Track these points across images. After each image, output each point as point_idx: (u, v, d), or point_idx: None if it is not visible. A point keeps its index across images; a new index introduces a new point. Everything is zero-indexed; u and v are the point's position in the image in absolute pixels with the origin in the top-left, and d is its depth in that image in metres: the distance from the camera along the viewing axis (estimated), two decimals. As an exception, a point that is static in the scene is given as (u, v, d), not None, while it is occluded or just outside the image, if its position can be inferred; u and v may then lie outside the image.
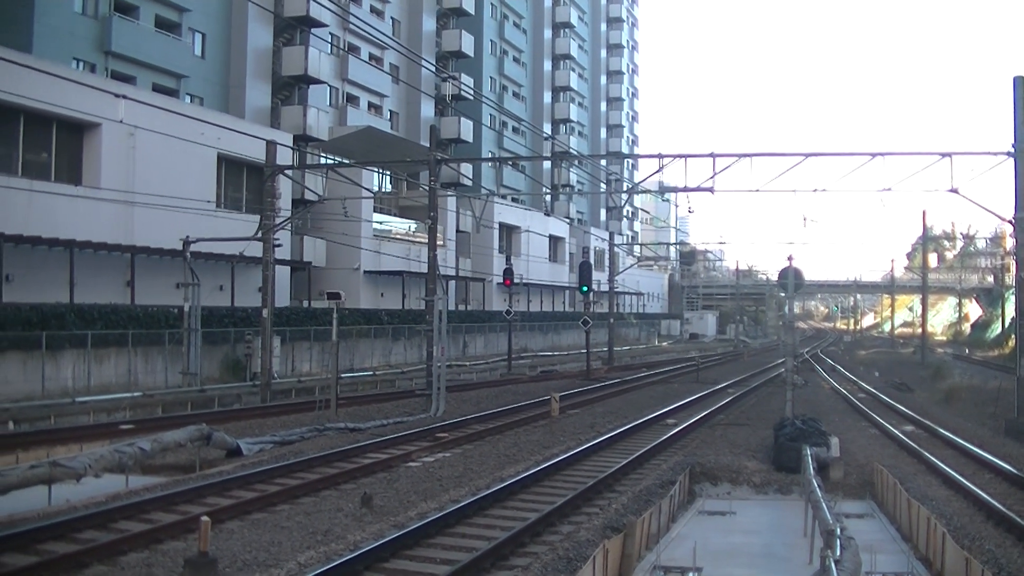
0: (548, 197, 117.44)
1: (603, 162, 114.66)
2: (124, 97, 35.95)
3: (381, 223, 76.72)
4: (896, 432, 37.01)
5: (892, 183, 45.67)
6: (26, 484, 20.36)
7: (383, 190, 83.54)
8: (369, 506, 21.89)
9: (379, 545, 18.12)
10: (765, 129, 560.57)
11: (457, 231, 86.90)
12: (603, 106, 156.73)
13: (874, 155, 39.60)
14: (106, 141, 49.44)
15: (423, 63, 78.26)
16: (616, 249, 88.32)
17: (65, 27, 55.03)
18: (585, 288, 67.76)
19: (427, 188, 47.59)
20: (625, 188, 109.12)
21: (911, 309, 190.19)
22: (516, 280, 74.96)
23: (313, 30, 73.26)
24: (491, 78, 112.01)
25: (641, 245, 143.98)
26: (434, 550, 18.83)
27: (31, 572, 15.50)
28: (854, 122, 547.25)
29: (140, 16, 61.12)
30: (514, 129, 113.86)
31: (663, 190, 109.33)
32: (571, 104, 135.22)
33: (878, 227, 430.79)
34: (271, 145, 44.13)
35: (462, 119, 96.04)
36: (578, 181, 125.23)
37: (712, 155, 40.99)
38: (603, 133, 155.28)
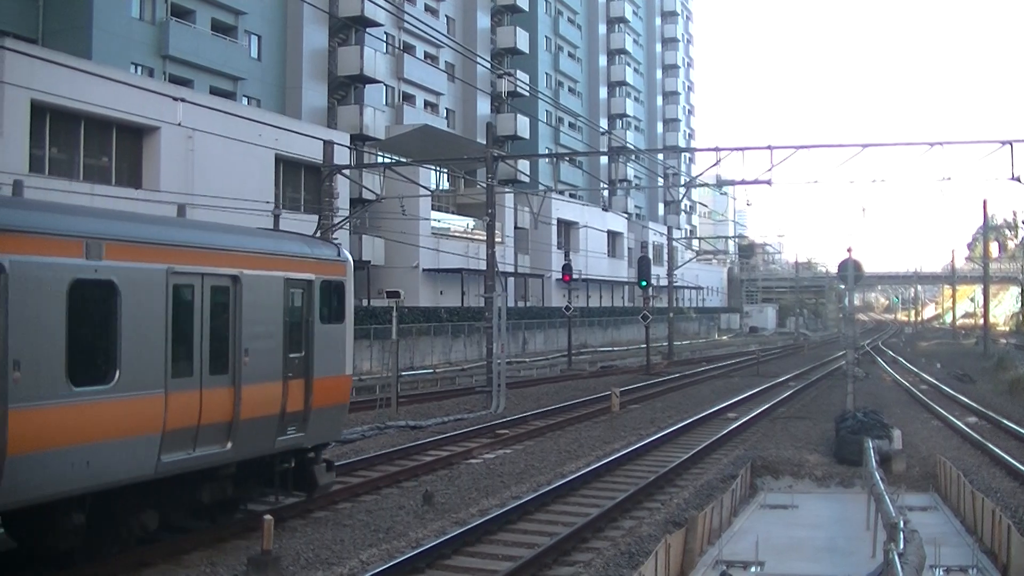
0: (606, 192, 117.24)
1: (660, 156, 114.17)
2: (182, 100, 36.21)
3: (439, 221, 76.89)
4: (959, 424, 36.71)
5: (951, 172, 45.54)
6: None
7: (440, 188, 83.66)
8: (431, 503, 21.96)
9: (441, 542, 18.19)
10: (822, 120, 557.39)
11: (515, 227, 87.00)
12: (659, 100, 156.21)
13: (932, 144, 39.25)
14: (165, 144, 49.84)
15: (478, 60, 78.35)
16: (674, 243, 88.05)
17: (123, 32, 55.50)
18: (644, 283, 67.61)
19: (484, 185, 47.68)
20: (683, 182, 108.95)
21: (972, 300, 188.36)
22: (575, 276, 74.84)
23: (368, 30, 73.44)
24: (546, 74, 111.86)
25: (700, 239, 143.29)
26: (496, 546, 18.87)
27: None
28: (912, 111, 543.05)
29: (197, 20, 61.56)
30: (570, 125, 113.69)
31: (721, 183, 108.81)
32: (627, 99, 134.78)
33: (938, 217, 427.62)
34: (328, 145, 44.29)
35: (518, 116, 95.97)
36: (635, 176, 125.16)
37: (769, 147, 40.78)
38: (659, 127, 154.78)
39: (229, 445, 17.87)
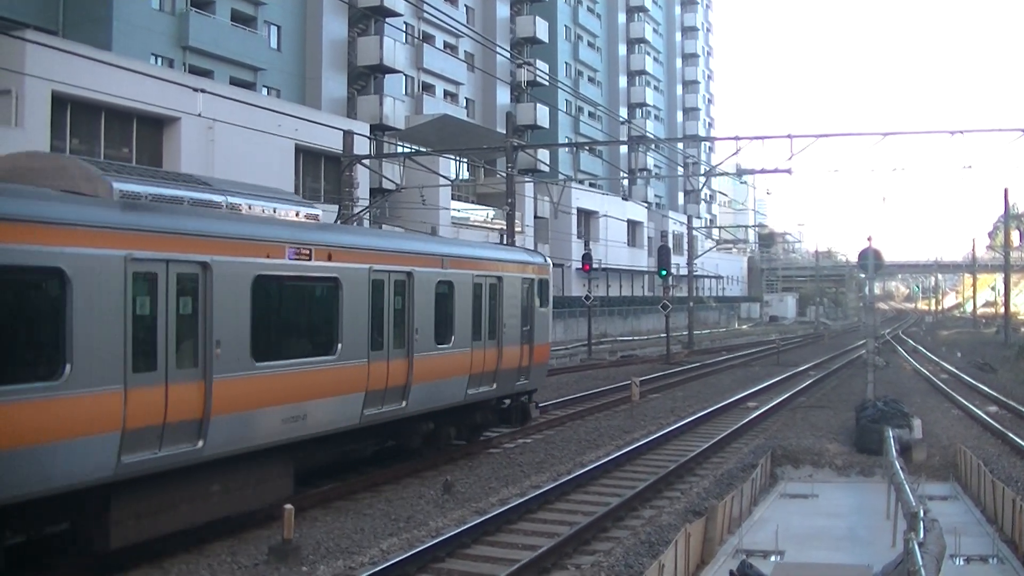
0: (625, 181, 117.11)
1: (680, 145, 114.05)
2: (202, 91, 36.28)
3: (459, 211, 76.95)
4: (980, 413, 36.61)
5: (973, 160, 45.25)
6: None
7: (460, 178, 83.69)
8: (450, 493, 22.01)
9: (461, 531, 18.23)
10: (842, 108, 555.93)
11: (535, 217, 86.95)
12: (679, 89, 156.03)
13: (954, 132, 39.16)
14: (185, 135, 49.99)
15: (498, 50, 78.37)
16: (694, 232, 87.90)
17: (143, 23, 55.66)
18: (664, 272, 67.52)
19: (504, 175, 47.65)
20: (702, 171, 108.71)
21: (993, 288, 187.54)
22: (595, 265, 74.77)
23: (387, 20, 73.43)
24: (566, 63, 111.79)
25: (720, 228, 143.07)
26: (516, 536, 18.92)
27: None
28: (934, 99, 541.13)
29: (216, 11, 61.71)
30: (590, 114, 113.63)
31: (741, 172, 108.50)
32: (647, 88, 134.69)
33: (959, 206, 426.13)
34: (348, 135, 44.33)
35: (538, 105, 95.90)
36: (655, 165, 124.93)
37: (789, 136, 40.75)
38: (679, 116, 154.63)
39: (495, 386, 27.73)
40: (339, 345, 20.39)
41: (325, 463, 22.96)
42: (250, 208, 19.32)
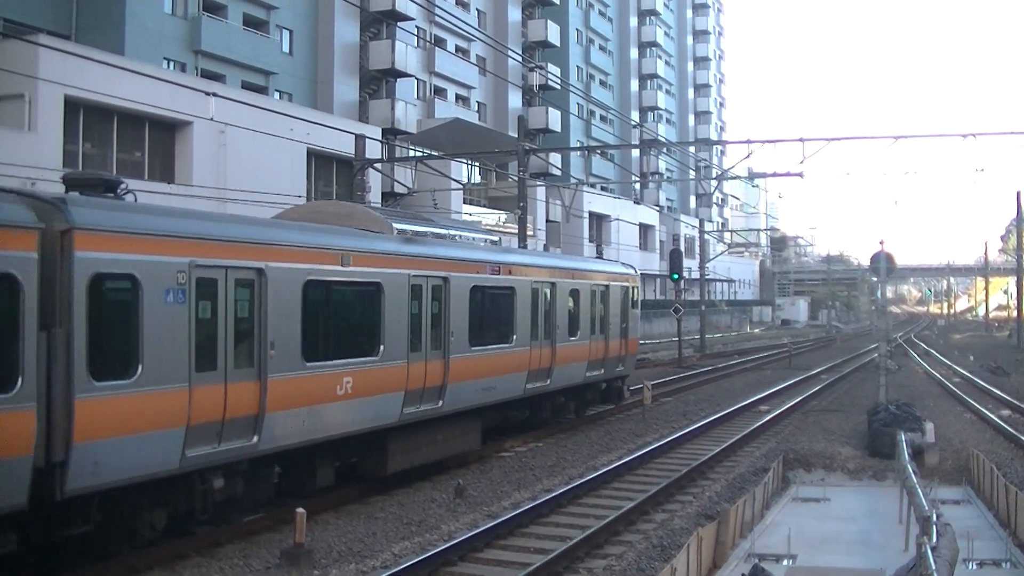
0: (637, 185, 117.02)
1: (692, 149, 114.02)
2: (214, 95, 36.24)
3: (471, 214, 76.88)
4: (992, 417, 36.50)
5: (985, 163, 45.14)
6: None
7: (472, 181, 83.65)
8: (462, 496, 22.05)
9: (473, 535, 18.27)
10: (854, 111, 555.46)
11: (547, 221, 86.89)
12: (690, 93, 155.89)
13: (966, 136, 39.03)
14: (197, 139, 50.03)
15: (509, 54, 78.39)
16: (706, 236, 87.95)
17: (155, 28, 55.74)
18: (676, 276, 67.43)
19: (516, 179, 47.65)
20: (714, 175, 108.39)
21: (1006, 292, 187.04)
22: (606, 269, 74.65)
23: (399, 24, 73.36)
24: (578, 67, 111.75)
25: (731, 232, 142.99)
26: (528, 539, 18.95)
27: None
28: (946, 103, 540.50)
29: (228, 15, 61.78)
30: (602, 118, 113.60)
31: (752, 176, 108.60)
32: (658, 92, 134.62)
33: (971, 209, 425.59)
34: (360, 139, 44.37)
35: (550, 109, 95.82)
36: (667, 169, 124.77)
37: (801, 140, 40.65)
38: (691, 120, 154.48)
39: (602, 371, 35.53)
40: (514, 336, 28.67)
41: (496, 424, 29.36)
42: (460, 237, 27.87)
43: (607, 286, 36.02)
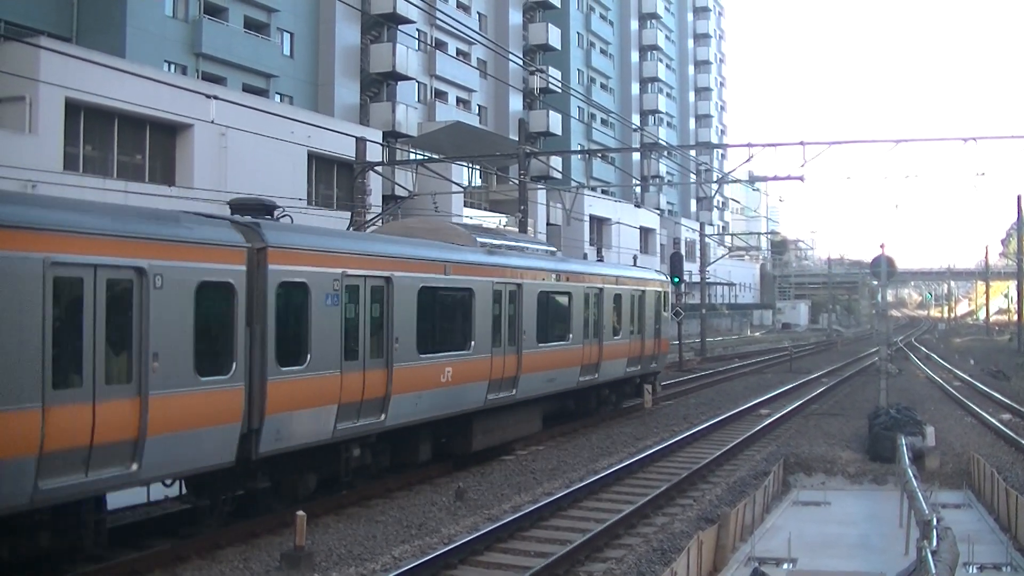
0: (638, 189, 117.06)
1: (692, 152, 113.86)
2: (215, 98, 36.27)
3: (471, 217, 76.80)
4: (993, 421, 36.51)
5: (986, 167, 45.05)
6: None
7: (473, 184, 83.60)
8: (463, 499, 22.06)
9: (474, 538, 18.27)
10: (855, 115, 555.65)
11: (548, 224, 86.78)
12: (691, 96, 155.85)
13: (967, 139, 38.96)
14: (198, 142, 50.01)
15: (510, 57, 78.39)
16: (707, 239, 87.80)
17: (157, 31, 55.75)
18: (677, 279, 67.33)
19: (517, 182, 47.62)
20: (715, 178, 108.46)
21: (1007, 296, 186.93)
22: (607, 272, 74.65)
23: (400, 27, 73.37)
24: (579, 70, 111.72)
25: (732, 235, 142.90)
26: (528, 543, 18.95)
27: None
28: (947, 107, 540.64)
29: (229, 18, 61.78)
30: (603, 121, 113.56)
31: (753, 179, 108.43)
32: (659, 95, 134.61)
33: (972, 213, 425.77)
34: (361, 142, 44.36)
35: (550, 112, 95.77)
36: (668, 172, 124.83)
37: (802, 143, 40.55)
38: (692, 123, 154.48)
39: (639, 367, 39.54)
40: (571, 335, 32.73)
41: (551, 412, 33.25)
42: (527, 248, 32.67)
43: (643, 291, 40.14)
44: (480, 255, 27.54)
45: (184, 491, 19.10)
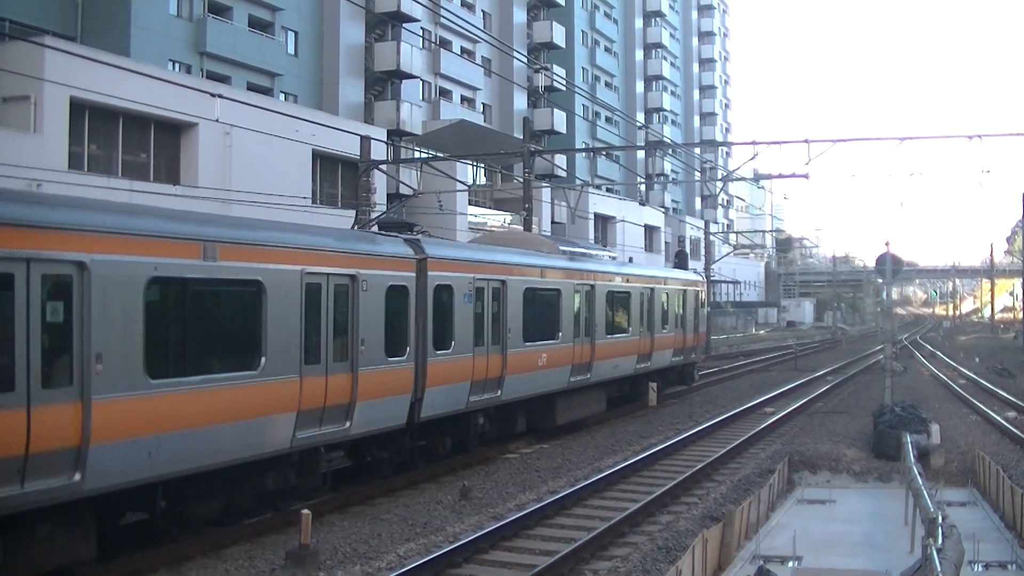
0: (643, 187, 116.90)
1: (697, 150, 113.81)
2: (220, 96, 36.24)
3: (476, 216, 76.80)
4: (998, 418, 36.43)
5: (991, 165, 44.99)
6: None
7: (477, 183, 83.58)
8: (468, 498, 22.08)
9: (478, 536, 18.27)
10: (860, 113, 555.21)
11: (552, 222, 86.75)
12: (696, 94, 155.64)
13: (971, 137, 38.86)
14: (203, 140, 49.97)
15: (515, 55, 78.31)
16: (712, 237, 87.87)
17: (161, 29, 55.77)
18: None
19: (521, 180, 47.63)
20: (720, 176, 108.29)
21: (1012, 293, 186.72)
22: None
23: (404, 25, 73.29)
24: (583, 68, 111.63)
25: (737, 233, 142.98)
26: (533, 541, 18.95)
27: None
28: (952, 104, 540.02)
29: (234, 16, 61.79)
30: (607, 119, 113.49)
31: (758, 177, 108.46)
32: (664, 93, 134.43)
33: (977, 210, 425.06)
34: (365, 140, 44.37)
35: (555, 110, 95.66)
36: (672, 170, 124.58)
37: (807, 141, 40.46)
38: (696, 121, 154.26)
39: (682, 357, 44.99)
40: (630, 328, 38.39)
41: (613, 396, 38.37)
42: (596, 255, 39.11)
43: (685, 291, 46.03)
44: (564, 261, 33.69)
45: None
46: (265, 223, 21.83)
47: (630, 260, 55.10)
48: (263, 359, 18.49)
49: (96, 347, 14.94)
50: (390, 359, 22.34)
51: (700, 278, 52.23)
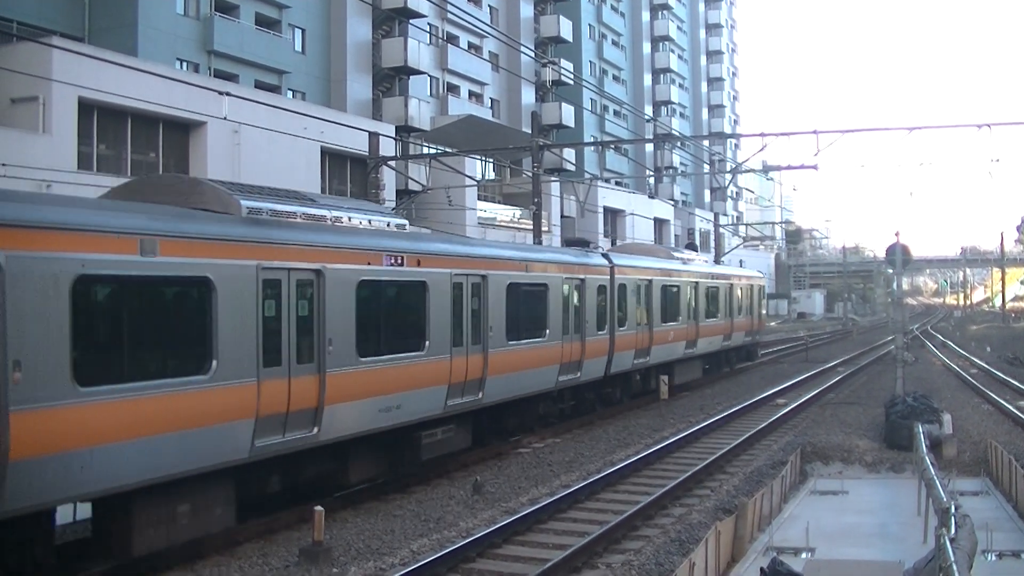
0: (652, 180, 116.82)
1: (706, 143, 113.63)
2: (228, 95, 36.22)
3: (485, 211, 76.79)
4: (1010, 408, 36.32)
5: (1001, 154, 44.81)
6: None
7: (486, 178, 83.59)
8: (480, 493, 22.07)
9: (491, 531, 18.28)
10: (868, 103, 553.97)
11: (562, 216, 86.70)
12: (704, 86, 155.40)
13: (980, 126, 38.84)
14: (211, 139, 50.08)
15: (522, 50, 78.27)
16: (721, 230, 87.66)
17: (168, 29, 55.86)
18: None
19: (530, 174, 47.63)
20: (729, 168, 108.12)
21: (1022, 282, 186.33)
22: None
23: (411, 21, 73.22)
24: (590, 62, 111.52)
25: (746, 225, 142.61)
26: (546, 535, 18.96)
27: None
28: (961, 93, 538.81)
29: (241, 15, 61.85)
30: (616, 113, 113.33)
31: (767, 169, 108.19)
32: (672, 86, 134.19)
33: (987, 199, 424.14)
34: (374, 137, 44.38)
35: (563, 104, 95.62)
36: (681, 163, 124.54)
37: (815, 132, 40.48)
38: (705, 114, 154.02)
39: (750, 338, 56.79)
40: (720, 314, 48.82)
41: (708, 365, 49.16)
42: (691, 257, 49.62)
43: (752, 285, 57.02)
44: (679, 264, 44.14)
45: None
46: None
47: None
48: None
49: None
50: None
51: (759, 274, 62.67)
